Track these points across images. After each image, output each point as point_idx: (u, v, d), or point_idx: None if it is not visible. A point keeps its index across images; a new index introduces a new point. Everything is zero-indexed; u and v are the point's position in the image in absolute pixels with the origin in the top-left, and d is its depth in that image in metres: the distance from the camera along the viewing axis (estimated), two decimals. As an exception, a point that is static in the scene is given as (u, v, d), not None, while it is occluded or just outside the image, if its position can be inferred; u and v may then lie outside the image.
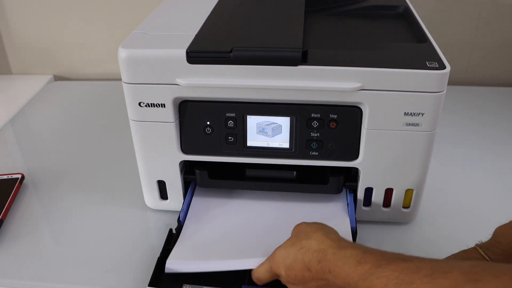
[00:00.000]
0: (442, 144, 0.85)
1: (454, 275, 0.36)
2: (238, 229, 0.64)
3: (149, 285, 0.55)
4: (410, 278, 0.38)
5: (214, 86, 0.58)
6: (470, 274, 0.36)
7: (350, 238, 0.61)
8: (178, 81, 0.57)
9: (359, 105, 0.58)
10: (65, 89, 1.18)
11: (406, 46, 0.61)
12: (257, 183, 0.67)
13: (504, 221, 0.69)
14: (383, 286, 0.40)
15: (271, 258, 0.53)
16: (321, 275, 0.46)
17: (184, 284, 0.56)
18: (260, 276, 0.54)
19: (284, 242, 0.52)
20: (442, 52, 0.58)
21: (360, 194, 0.65)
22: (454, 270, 0.37)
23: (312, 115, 0.60)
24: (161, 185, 0.68)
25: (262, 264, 0.55)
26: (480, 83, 1.13)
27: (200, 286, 0.56)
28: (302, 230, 0.52)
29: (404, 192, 0.64)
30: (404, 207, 0.66)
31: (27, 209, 0.74)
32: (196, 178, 0.67)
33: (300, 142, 0.61)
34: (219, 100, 0.60)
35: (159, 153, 0.64)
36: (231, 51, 0.56)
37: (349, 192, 0.67)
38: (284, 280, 0.52)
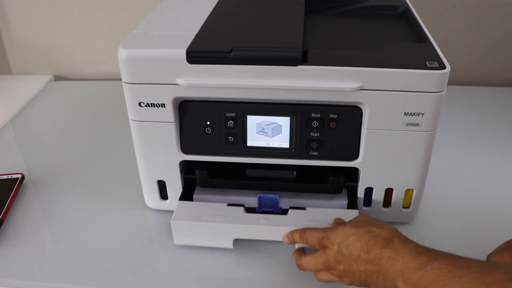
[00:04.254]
0: (442, 144, 0.85)
1: (499, 274, 0.40)
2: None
3: (179, 199, 0.65)
4: (461, 272, 0.42)
5: (214, 86, 0.58)
6: None
7: None
8: (178, 81, 0.57)
9: (359, 105, 0.58)
10: (65, 89, 1.18)
11: (406, 46, 0.61)
12: (257, 183, 0.67)
13: (504, 220, 0.69)
14: (435, 276, 0.43)
15: (329, 229, 0.55)
16: (376, 261, 0.49)
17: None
18: (303, 240, 0.57)
19: (348, 222, 0.56)
20: (442, 52, 0.58)
21: (360, 194, 0.65)
22: (499, 269, 0.40)
23: (312, 115, 0.60)
24: (161, 185, 0.68)
25: (312, 230, 0.56)
26: (480, 83, 1.13)
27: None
28: (371, 219, 0.55)
29: (404, 192, 0.64)
30: (404, 207, 0.66)
31: (27, 209, 0.74)
32: (196, 178, 0.67)
33: (300, 142, 0.61)
34: (219, 100, 0.60)
35: (159, 153, 0.64)
36: (231, 51, 0.56)
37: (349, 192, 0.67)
38: (330, 255, 0.53)
